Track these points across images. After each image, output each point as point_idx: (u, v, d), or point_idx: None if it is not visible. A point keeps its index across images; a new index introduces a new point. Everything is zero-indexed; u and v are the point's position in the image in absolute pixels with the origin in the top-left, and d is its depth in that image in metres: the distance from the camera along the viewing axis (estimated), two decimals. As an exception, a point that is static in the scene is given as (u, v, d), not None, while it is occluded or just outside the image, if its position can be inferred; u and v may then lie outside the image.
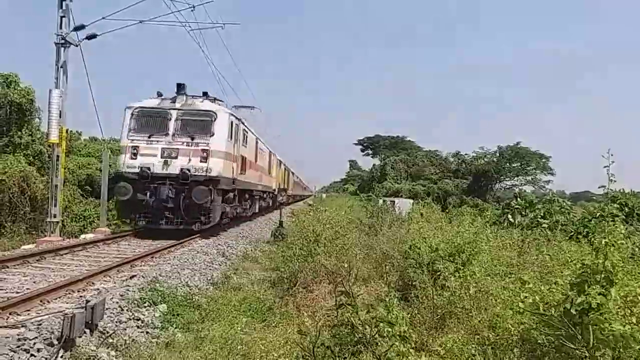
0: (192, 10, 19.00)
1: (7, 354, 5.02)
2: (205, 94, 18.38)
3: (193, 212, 15.84)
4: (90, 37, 16.89)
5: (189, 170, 15.77)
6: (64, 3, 16.22)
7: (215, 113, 16.88)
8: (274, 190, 36.08)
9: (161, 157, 16.03)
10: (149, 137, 16.30)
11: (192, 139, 16.25)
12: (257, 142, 25.54)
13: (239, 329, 7.15)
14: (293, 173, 61.11)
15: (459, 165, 76.70)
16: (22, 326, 6.02)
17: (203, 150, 16.15)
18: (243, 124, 20.74)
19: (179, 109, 16.71)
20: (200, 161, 16.04)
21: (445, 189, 66.23)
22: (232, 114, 18.23)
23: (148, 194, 15.63)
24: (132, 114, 16.68)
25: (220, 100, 18.96)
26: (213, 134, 16.48)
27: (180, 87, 17.43)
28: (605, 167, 5.64)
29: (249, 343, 6.55)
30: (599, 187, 7.93)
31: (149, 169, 15.75)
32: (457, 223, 12.63)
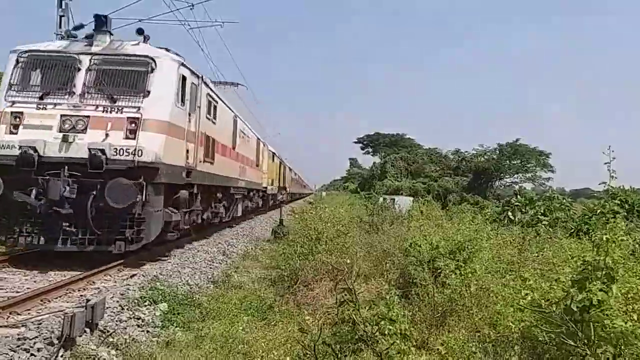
0: (191, 9, 18.97)
1: (7, 354, 5.01)
2: (140, 32, 11.72)
3: (111, 222, 9.89)
4: (89, 36, 16.84)
5: (102, 153, 9.66)
6: (63, 2, 16.18)
7: (153, 60, 10.67)
8: (265, 187, 29.60)
9: (59, 131, 9.95)
10: (42, 97, 10.26)
11: (113, 100, 10.24)
12: (236, 122, 18.97)
13: (240, 327, 7.15)
14: (291, 169, 56.04)
15: (459, 163, 76.63)
16: (22, 325, 6.02)
17: (130, 120, 10.12)
18: (207, 86, 13.92)
19: (94, 54, 10.73)
20: (126, 137, 10.01)
21: (445, 186, 66.12)
22: (184, 65, 11.65)
23: (33, 191, 9.53)
24: (17, 62, 10.70)
25: (177, 54, 11.68)
26: (148, 94, 10.31)
27: (101, 22, 11.23)
28: (606, 163, 5.62)
29: (249, 341, 6.54)
30: (599, 184, 7.94)
31: (35, 149, 9.61)
32: (457, 220, 12.64)
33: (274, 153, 36.28)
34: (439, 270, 7.88)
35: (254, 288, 10.02)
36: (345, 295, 5.66)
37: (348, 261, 8.16)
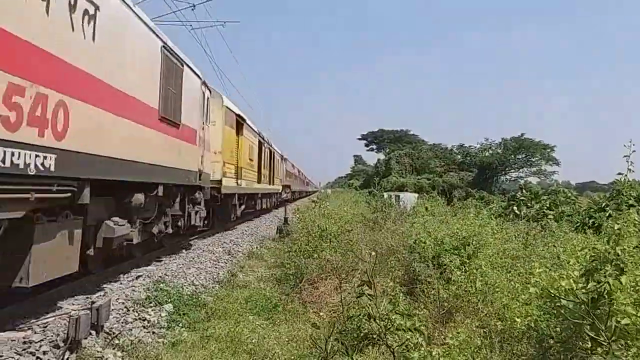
0: (192, 9, 18.89)
1: (13, 357, 5.02)
2: None
3: None
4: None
5: None
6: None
7: None
8: (218, 181, 16.01)
9: None
10: None
11: None
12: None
13: (245, 326, 7.14)
14: (285, 159, 45.02)
15: (464, 158, 76.60)
16: (28, 329, 6.03)
17: None
18: None
19: None
20: None
21: (450, 182, 66.12)
22: None
23: None
24: None
25: None
26: None
27: None
28: (625, 156, 5.59)
29: (255, 341, 6.54)
30: (617, 174, 7.91)
31: None
32: (462, 216, 12.59)
33: (239, 117, 20.16)
34: (444, 267, 7.85)
35: (259, 287, 10.02)
36: (365, 288, 5.60)
37: (373, 253, 8.09)
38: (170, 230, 11.44)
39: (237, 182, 19.44)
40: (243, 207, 21.66)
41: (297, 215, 17.07)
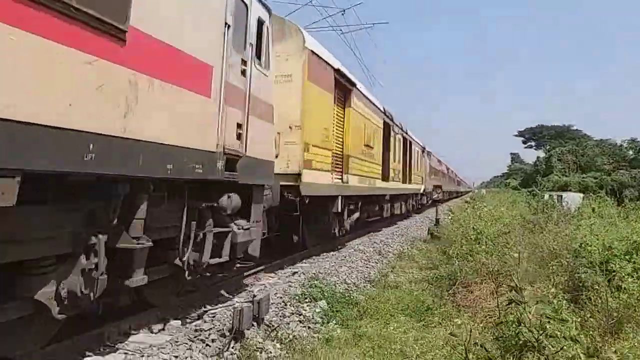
0: (342, 14, 19.43)
1: (187, 343, 5.56)
2: None
3: None
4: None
5: None
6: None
7: None
8: (294, 175, 10.35)
9: None
10: None
11: None
12: None
13: (397, 327, 7.15)
14: (429, 153, 37.25)
15: (637, 154, 69.28)
16: (199, 318, 6.63)
17: None
18: None
19: None
20: None
21: (620, 180, 60.15)
22: None
23: None
24: None
25: None
26: None
27: None
28: None
29: (406, 342, 6.52)
30: None
31: None
32: (634, 218, 11.44)
33: (342, 75, 12.84)
34: (612, 273, 7.20)
35: (411, 288, 9.96)
36: (515, 294, 5.37)
37: (515, 255, 7.70)
38: (143, 280, 5.33)
39: (340, 178, 13.18)
40: (356, 214, 15.46)
41: (450, 217, 16.70)
